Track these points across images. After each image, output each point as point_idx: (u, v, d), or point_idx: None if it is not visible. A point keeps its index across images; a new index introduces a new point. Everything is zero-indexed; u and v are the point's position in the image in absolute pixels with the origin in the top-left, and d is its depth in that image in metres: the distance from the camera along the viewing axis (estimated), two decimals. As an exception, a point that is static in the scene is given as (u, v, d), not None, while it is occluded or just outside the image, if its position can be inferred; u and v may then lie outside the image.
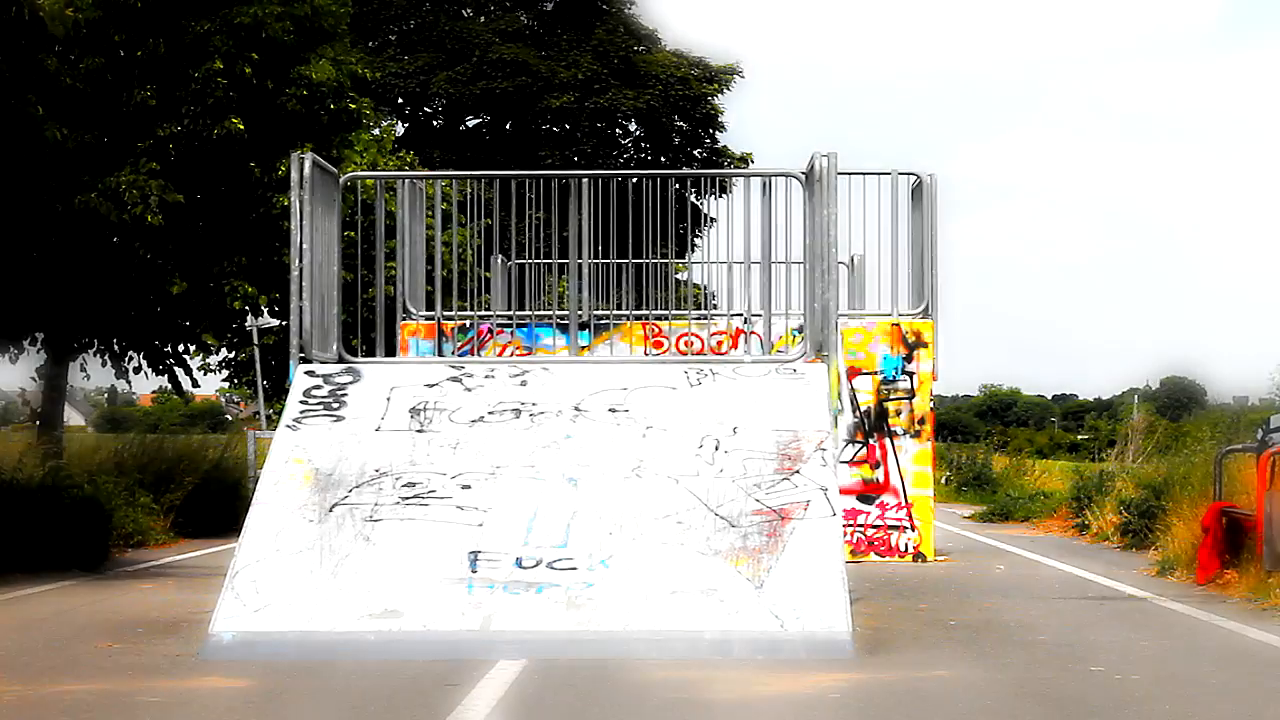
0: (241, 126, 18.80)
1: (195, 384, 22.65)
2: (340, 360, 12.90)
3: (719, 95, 44.12)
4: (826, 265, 12.37)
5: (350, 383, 12.17)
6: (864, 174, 17.10)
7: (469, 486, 11.11)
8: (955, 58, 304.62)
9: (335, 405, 11.92)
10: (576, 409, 11.83)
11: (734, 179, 13.72)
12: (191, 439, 26.17)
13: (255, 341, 28.75)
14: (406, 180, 16.77)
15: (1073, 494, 23.67)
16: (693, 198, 39.41)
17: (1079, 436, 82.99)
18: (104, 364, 21.45)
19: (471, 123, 44.48)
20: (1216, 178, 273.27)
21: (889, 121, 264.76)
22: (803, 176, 13.06)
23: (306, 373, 12.29)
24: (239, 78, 18.79)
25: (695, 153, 44.51)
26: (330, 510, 10.87)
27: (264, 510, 10.92)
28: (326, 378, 12.25)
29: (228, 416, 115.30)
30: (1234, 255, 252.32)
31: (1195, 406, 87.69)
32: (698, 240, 41.95)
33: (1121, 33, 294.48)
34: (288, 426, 11.70)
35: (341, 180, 13.79)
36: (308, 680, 9.09)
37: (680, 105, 43.54)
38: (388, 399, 11.96)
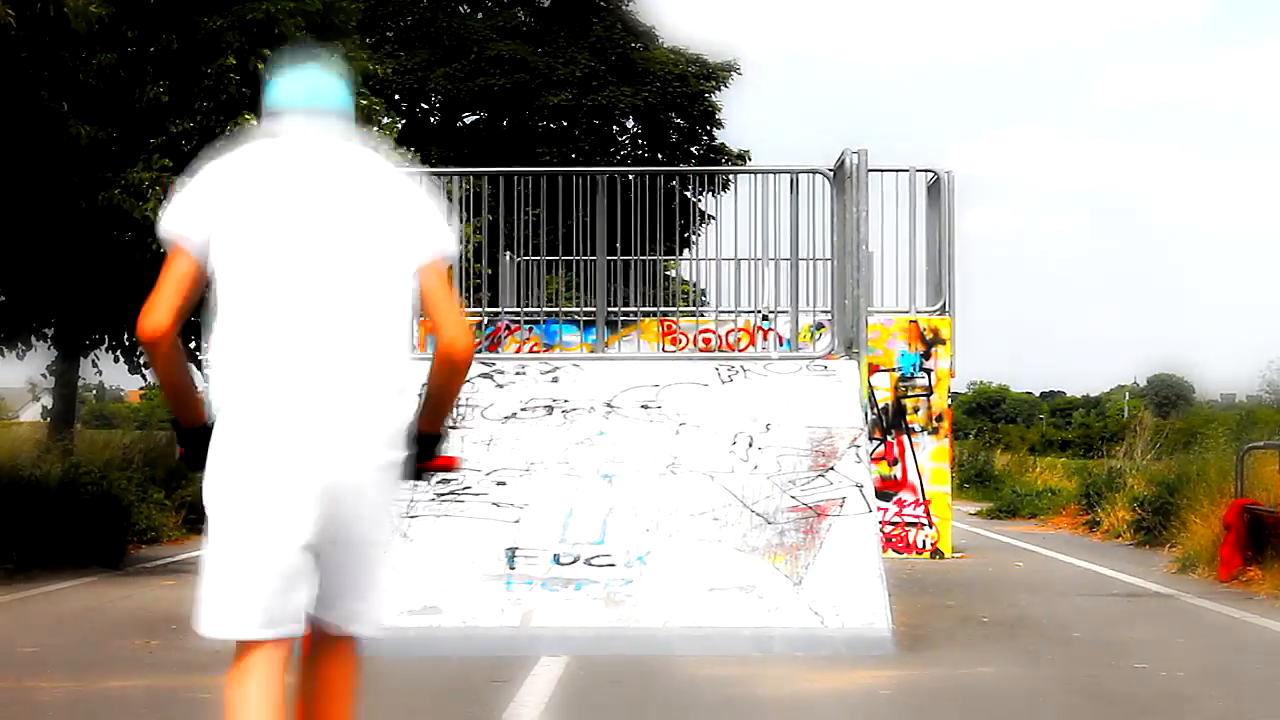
0: (255, 123, 18.77)
1: (207, 379, 22.60)
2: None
3: (716, 92, 44.10)
4: (857, 262, 12.40)
5: (382, 379, 12.15)
6: (881, 171, 17.05)
7: (504, 483, 11.11)
8: (946, 54, 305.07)
9: (368, 401, 11.89)
10: (609, 405, 11.83)
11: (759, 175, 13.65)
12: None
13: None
14: (431, 177, 16.75)
15: (1081, 491, 23.72)
16: (689, 194, 39.35)
17: (1069, 433, 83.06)
18: (116, 360, 21.43)
19: (469, 120, 44.43)
20: (1204, 175, 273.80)
21: (880, 119, 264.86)
22: (830, 173, 13.09)
23: (338, 369, 12.24)
24: (251, 74, 18.75)
25: (693, 150, 44.49)
26: (366, 507, 10.83)
27: (300, 507, 10.90)
28: (358, 374, 12.20)
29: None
30: (1221, 253, 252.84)
31: (1183, 403, 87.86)
32: (694, 237, 41.92)
33: (1109, 30, 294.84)
34: (321, 423, 11.66)
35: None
36: (354, 676, 9.07)
37: (678, 103, 43.48)
38: (419, 395, 11.93)
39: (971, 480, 34.50)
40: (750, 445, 11.41)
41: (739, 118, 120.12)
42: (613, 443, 11.51)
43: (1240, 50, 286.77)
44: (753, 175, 13.97)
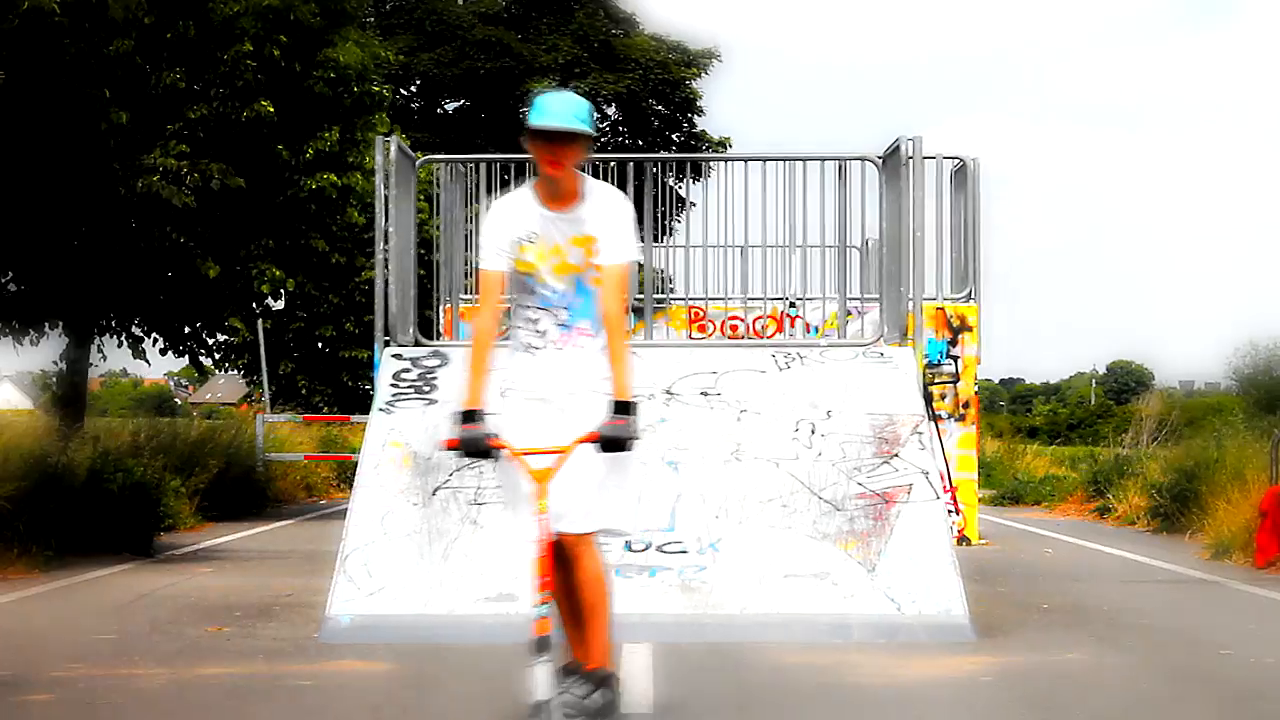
0: (271, 109, 18.69)
1: (217, 365, 22.52)
2: (417, 344, 12.84)
3: (697, 79, 44.13)
4: (911, 250, 12.40)
5: (438, 365, 12.11)
6: (906, 158, 17.07)
7: (570, 470, 11.04)
8: (919, 42, 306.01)
9: (426, 389, 11.85)
10: (668, 392, 11.79)
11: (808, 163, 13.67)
12: (203, 422, 25.93)
13: (260, 325, 28.56)
14: (447, 164, 16.70)
15: (1089, 477, 23.80)
16: (671, 180, 39.33)
17: (1035, 420, 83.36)
18: (120, 345, 21.33)
19: (451, 106, 44.34)
20: (1165, 165, 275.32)
21: (848, 106, 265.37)
22: (880, 161, 13.10)
23: (394, 356, 12.22)
24: (267, 60, 18.67)
25: (674, 137, 44.51)
26: (434, 494, 10.81)
27: (367, 494, 10.86)
28: (414, 361, 12.18)
29: (176, 400, 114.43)
30: (1179, 242, 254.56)
31: (1143, 391, 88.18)
32: (675, 225, 41.91)
33: (1076, 20, 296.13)
34: (381, 410, 11.62)
35: (418, 164, 13.69)
36: (443, 663, 9.04)
37: (659, 89, 43.50)
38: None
39: (963, 468, 34.49)
40: (813, 432, 11.40)
41: (720, 104, 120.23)
42: (675, 430, 11.47)
43: (1200, 40, 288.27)
44: (793, 163, 13.93)
